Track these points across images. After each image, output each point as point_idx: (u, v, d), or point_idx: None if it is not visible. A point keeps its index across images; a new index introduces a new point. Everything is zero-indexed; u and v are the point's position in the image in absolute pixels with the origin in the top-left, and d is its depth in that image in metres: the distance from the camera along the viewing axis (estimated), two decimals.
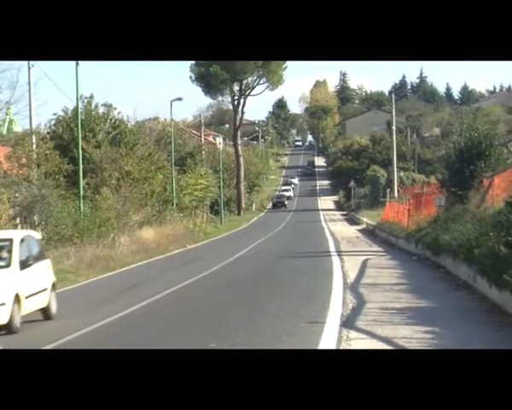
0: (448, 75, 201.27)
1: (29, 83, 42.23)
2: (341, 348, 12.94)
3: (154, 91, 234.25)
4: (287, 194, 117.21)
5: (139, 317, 19.25)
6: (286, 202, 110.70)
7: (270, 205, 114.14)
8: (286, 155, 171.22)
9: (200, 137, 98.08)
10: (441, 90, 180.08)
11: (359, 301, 19.06)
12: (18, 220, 39.19)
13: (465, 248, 21.60)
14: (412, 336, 13.71)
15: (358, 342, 13.43)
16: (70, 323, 18.29)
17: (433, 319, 15.58)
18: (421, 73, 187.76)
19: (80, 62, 43.14)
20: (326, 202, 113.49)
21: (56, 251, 36.41)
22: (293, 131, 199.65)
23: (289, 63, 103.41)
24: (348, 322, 15.67)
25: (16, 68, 37.88)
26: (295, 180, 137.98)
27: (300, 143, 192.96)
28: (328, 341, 13.69)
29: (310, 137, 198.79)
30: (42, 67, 76.69)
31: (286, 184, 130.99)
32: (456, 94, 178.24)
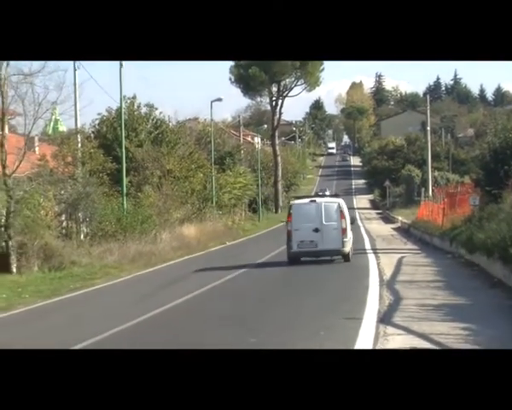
0: (482, 77, 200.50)
1: (74, 84, 42.45)
2: (379, 344, 12.90)
3: (194, 92, 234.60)
4: None
5: (180, 310, 19.36)
6: None
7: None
8: (322, 155, 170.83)
9: (239, 136, 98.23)
10: (475, 91, 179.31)
11: (396, 297, 18.99)
12: (63, 217, 39.51)
13: (500, 246, 21.47)
14: (449, 333, 13.62)
15: (396, 338, 13.35)
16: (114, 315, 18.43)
17: (469, 316, 15.46)
18: (456, 75, 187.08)
19: (124, 64, 43.45)
20: (361, 201, 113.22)
21: (100, 247, 36.74)
22: (330, 132, 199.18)
23: (326, 65, 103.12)
24: (385, 318, 15.61)
25: (63, 70, 37.93)
26: (327, 193, 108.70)
27: (334, 151, 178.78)
28: (365, 337, 13.65)
29: (345, 138, 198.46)
30: (87, 69, 77.19)
31: (317, 195, 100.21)
32: (489, 95, 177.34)
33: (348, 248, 31.56)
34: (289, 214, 32.74)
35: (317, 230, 31.39)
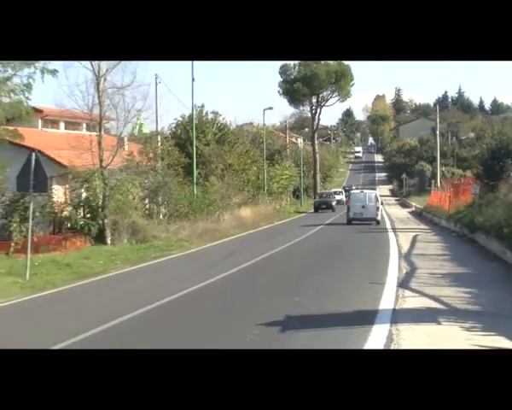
0: (481, 90, 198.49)
1: (156, 95, 42.74)
2: (398, 303, 12.86)
3: (250, 102, 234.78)
4: (337, 197, 77.25)
5: (239, 276, 19.43)
6: (334, 204, 68.21)
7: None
8: (351, 152, 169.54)
9: (286, 138, 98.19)
10: (475, 102, 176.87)
11: (411, 267, 18.97)
12: (147, 200, 39.84)
13: (496, 227, 21.33)
14: (454, 295, 13.60)
15: (411, 299, 13.35)
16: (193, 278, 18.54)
17: (470, 283, 15.43)
18: (460, 89, 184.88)
19: (195, 78, 43.62)
20: (383, 190, 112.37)
21: (175, 224, 36.99)
22: (358, 134, 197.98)
23: (355, 80, 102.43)
24: (403, 283, 15.60)
25: (147, 84, 38.25)
26: (353, 188, 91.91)
27: (360, 155, 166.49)
28: (387, 297, 13.66)
29: (370, 139, 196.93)
30: (166, 84, 77.44)
31: (345, 190, 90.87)
32: (487, 106, 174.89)
33: (379, 217, 43.78)
34: (348, 198, 49.55)
35: (363, 206, 43.61)
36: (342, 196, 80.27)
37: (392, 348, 9.04)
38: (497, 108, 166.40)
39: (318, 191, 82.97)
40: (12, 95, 27.18)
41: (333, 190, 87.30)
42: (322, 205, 68.83)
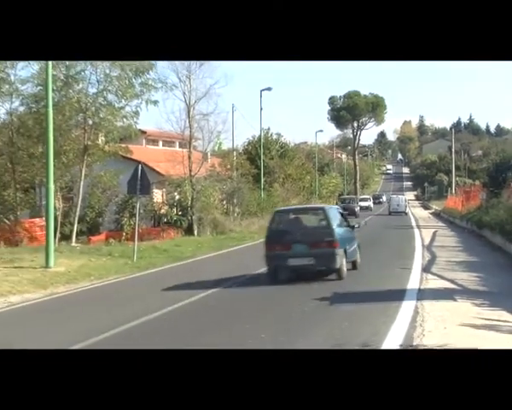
0: (487, 116, 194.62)
1: (232, 120, 43.11)
2: (423, 284, 12.71)
3: (305, 125, 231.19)
4: (363, 204, 66.44)
5: None
6: (357, 211, 54.17)
7: None
8: (384, 166, 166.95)
9: (333, 154, 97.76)
10: (483, 126, 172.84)
11: (432, 256, 18.72)
12: (224, 202, 40.19)
13: (500, 225, 21.04)
14: (467, 279, 13.41)
15: (433, 281, 13.19)
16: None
17: (480, 269, 15.20)
18: (470, 116, 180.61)
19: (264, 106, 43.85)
20: (409, 195, 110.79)
21: (247, 221, 37.29)
22: (389, 151, 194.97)
23: (388, 108, 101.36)
24: (426, 269, 15.48)
25: (226, 112, 38.93)
26: (384, 198, 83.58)
27: (391, 172, 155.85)
28: (414, 279, 13.50)
29: (399, 155, 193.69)
30: (240, 111, 77.82)
31: (373, 197, 79.70)
32: (492, 129, 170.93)
33: (407, 211, 56.78)
34: (388, 200, 63.73)
35: (397, 205, 57.33)
36: (370, 203, 70.61)
37: (416, 320, 8.88)
38: (500, 131, 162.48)
39: (341, 196, 69.89)
40: (124, 120, 27.88)
41: (361, 196, 79.63)
42: (344, 210, 57.26)
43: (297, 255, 13.71)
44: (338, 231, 14.28)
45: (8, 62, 26.36)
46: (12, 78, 26.91)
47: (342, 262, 13.97)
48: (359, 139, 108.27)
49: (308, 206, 16.30)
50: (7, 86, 26.90)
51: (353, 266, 15.52)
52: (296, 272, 14.00)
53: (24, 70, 30.04)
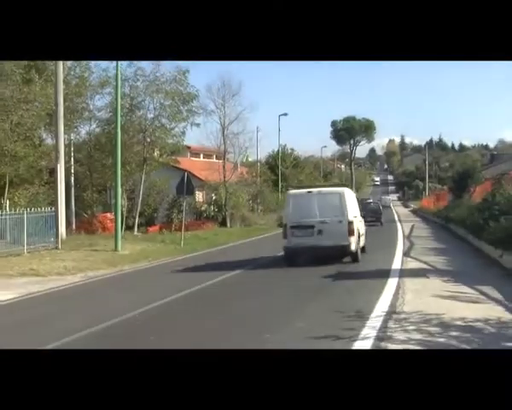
0: (454, 136, 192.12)
1: (256, 138, 43.24)
2: (403, 266, 12.42)
3: (310, 141, 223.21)
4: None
5: None
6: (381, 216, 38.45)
7: None
8: (372, 179, 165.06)
9: (334, 164, 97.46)
10: (449, 144, 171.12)
11: (411, 244, 18.56)
12: (251, 201, 40.22)
13: (462, 220, 20.85)
14: (438, 261, 13.24)
15: (411, 263, 12.97)
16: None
17: (447, 253, 15.06)
18: (440, 136, 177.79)
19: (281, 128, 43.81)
20: (393, 197, 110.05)
21: (268, 215, 37.30)
22: (378, 163, 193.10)
23: (377, 130, 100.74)
24: (406, 253, 15.34)
25: (252, 132, 39.24)
26: (370, 200, 59.41)
27: (378, 183, 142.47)
28: (396, 262, 13.27)
29: (385, 166, 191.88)
30: (264, 131, 77.86)
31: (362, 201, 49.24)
32: (456, 146, 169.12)
33: (391, 206, 56.48)
34: (379, 199, 55.11)
35: (385, 202, 55.16)
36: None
37: (399, 293, 8.73)
38: (462, 148, 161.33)
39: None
40: (174, 138, 28.26)
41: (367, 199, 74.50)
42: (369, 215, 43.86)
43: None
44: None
45: (88, 95, 27.06)
46: (91, 106, 27.91)
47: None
48: (355, 153, 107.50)
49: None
50: (87, 113, 27.82)
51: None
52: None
53: (99, 101, 30.68)
